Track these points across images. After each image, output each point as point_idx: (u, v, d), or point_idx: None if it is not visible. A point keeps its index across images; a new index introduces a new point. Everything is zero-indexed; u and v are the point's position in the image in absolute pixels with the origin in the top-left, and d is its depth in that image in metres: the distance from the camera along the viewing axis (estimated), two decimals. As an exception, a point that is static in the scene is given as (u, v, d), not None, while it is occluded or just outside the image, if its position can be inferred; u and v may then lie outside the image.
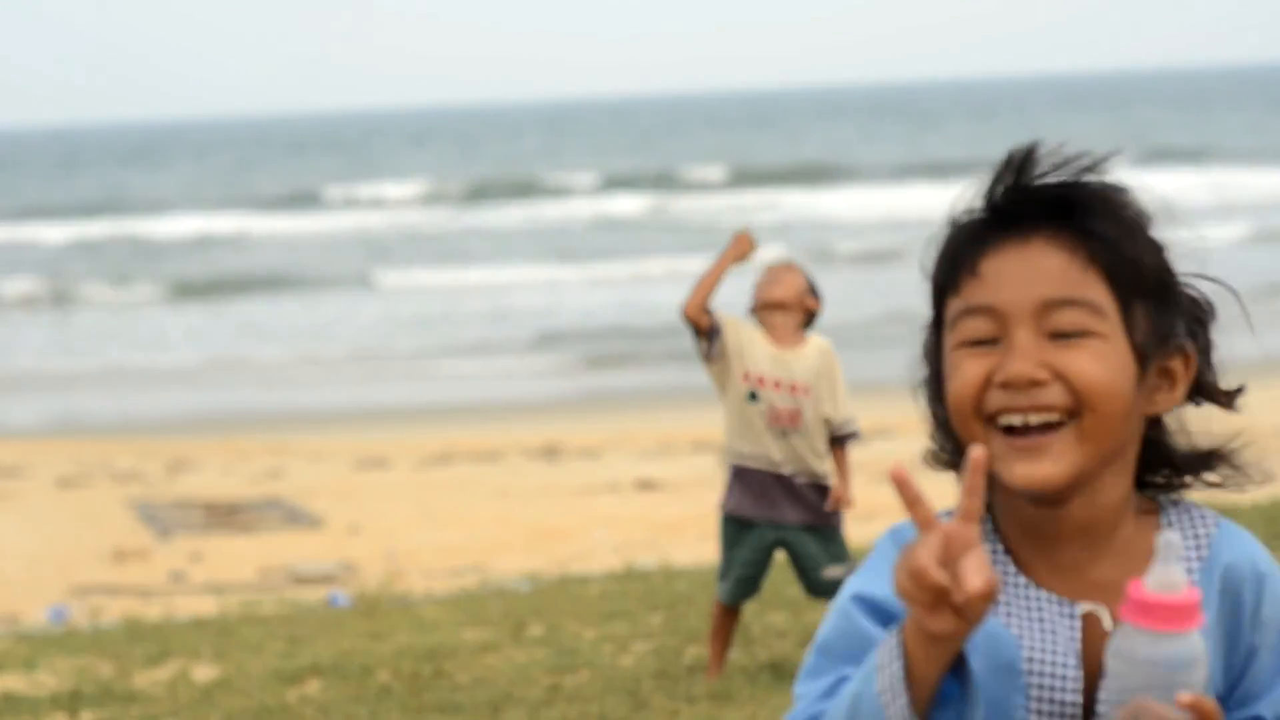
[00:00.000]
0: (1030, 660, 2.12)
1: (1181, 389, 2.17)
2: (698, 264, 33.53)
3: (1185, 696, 1.98)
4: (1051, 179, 2.13)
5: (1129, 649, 2.01)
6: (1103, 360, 2.06)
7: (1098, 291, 2.08)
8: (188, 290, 33.97)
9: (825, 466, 7.40)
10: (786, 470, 7.36)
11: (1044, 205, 2.10)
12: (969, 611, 1.93)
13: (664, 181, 54.87)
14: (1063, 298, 2.07)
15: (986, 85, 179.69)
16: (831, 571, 7.38)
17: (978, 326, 2.08)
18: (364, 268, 36.57)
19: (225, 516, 13.97)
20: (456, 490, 14.63)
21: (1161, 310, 2.14)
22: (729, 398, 7.32)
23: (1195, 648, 2.00)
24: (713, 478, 13.55)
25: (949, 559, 1.93)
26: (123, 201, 54.88)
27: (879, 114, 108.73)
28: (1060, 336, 2.06)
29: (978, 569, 1.92)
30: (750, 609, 8.68)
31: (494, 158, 76.16)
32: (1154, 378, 2.13)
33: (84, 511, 14.32)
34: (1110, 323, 2.08)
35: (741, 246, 7.23)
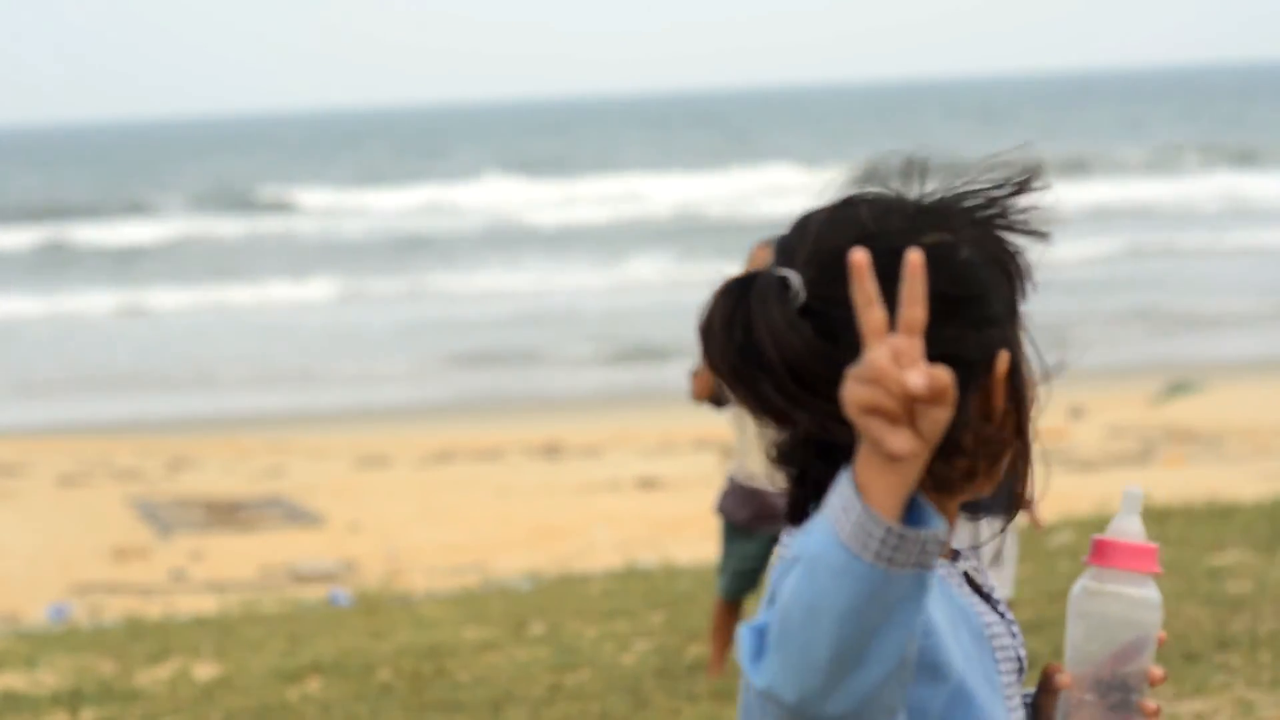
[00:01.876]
0: (989, 625, 2.15)
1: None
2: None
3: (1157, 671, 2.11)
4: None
5: (1112, 596, 2.12)
6: None
7: None
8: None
9: None
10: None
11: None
12: (928, 422, 1.80)
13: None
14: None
15: (969, 84, 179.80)
16: None
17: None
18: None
19: (226, 515, 13.97)
20: (457, 488, 14.63)
21: None
22: (743, 416, 7.31)
23: (1156, 593, 2.13)
24: (714, 476, 13.53)
25: (904, 366, 1.80)
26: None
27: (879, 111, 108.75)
28: None
29: (941, 372, 1.80)
30: (751, 606, 8.68)
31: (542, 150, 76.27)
32: None
33: (84, 510, 14.32)
34: None
35: None
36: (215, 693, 7.99)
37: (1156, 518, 9.88)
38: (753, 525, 7.38)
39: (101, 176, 72.59)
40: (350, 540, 12.80)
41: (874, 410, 1.80)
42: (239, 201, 52.00)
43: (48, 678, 8.48)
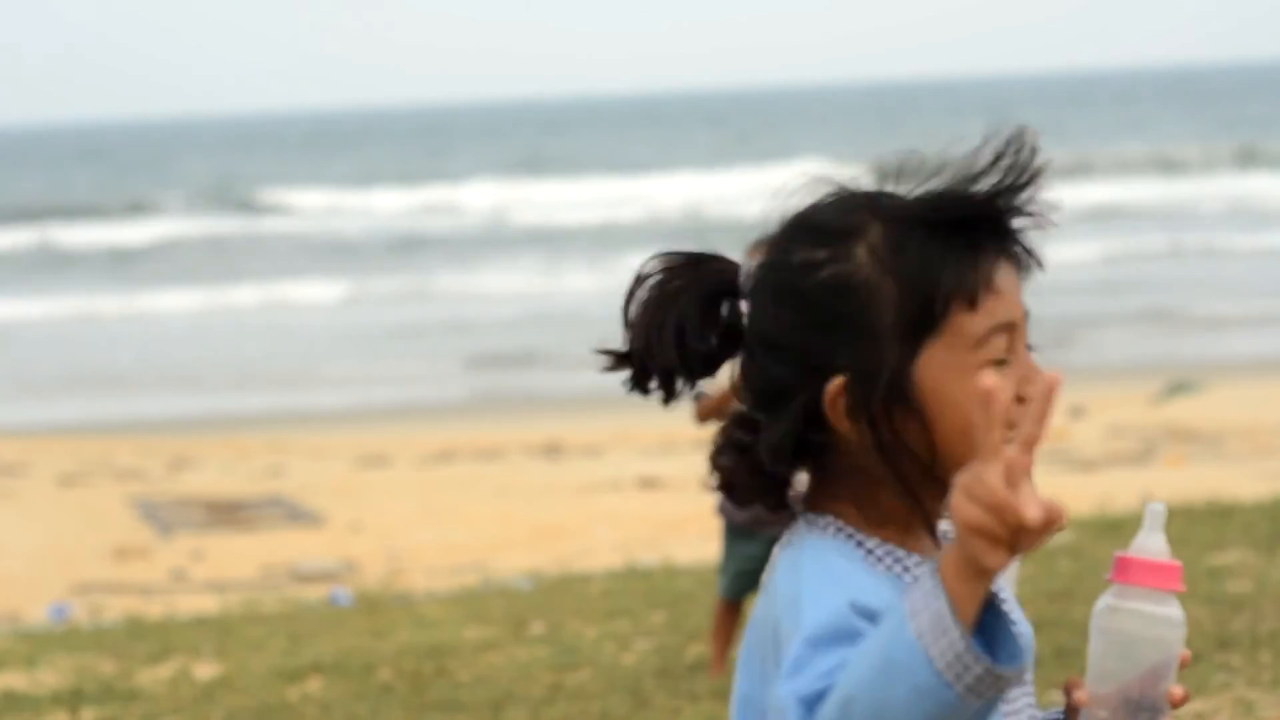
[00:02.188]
0: None
1: None
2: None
3: (1177, 691, 2.08)
4: (1020, 190, 2.07)
5: (1133, 613, 2.09)
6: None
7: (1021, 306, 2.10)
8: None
9: None
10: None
11: (1001, 214, 2.08)
12: (1024, 544, 1.84)
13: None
14: (1019, 317, 2.08)
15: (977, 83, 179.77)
16: None
17: (1000, 345, 2.05)
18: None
19: (226, 514, 13.97)
20: (458, 488, 14.63)
21: None
22: None
23: (1180, 611, 2.11)
24: (714, 476, 13.48)
25: (1011, 484, 1.83)
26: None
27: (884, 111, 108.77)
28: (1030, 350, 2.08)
29: (1039, 500, 1.83)
30: (751, 605, 8.68)
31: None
32: None
33: (85, 509, 14.32)
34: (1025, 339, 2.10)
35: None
36: (216, 692, 7.99)
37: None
38: (753, 526, 7.39)
39: (101, 176, 72.58)
40: (351, 540, 12.80)
41: (983, 533, 1.82)
42: (239, 201, 51.97)
43: (48, 677, 8.48)
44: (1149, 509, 2.10)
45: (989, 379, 1.84)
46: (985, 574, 1.85)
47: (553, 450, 16.26)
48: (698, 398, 7.30)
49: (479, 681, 7.83)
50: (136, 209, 50.79)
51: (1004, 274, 2.05)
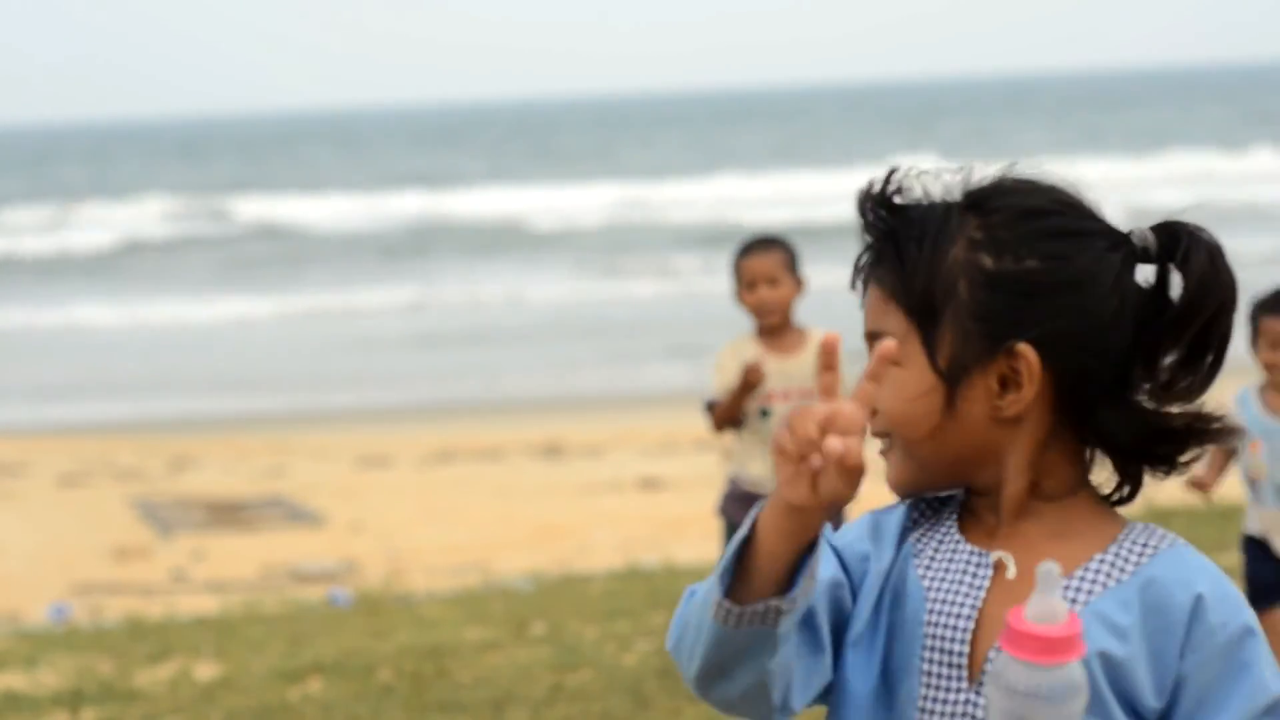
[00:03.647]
0: (932, 610, 2.18)
1: (1030, 389, 2.14)
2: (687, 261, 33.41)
3: None
4: (884, 208, 2.20)
5: (1008, 678, 1.99)
6: (897, 389, 2.15)
7: (895, 322, 2.16)
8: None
9: None
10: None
11: (877, 235, 2.20)
12: (824, 483, 1.99)
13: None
14: (871, 330, 2.19)
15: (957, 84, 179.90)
16: None
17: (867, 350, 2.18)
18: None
19: (227, 514, 13.96)
20: (458, 488, 14.62)
21: (985, 322, 2.14)
22: (746, 420, 7.31)
23: (1074, 678, 1.98)
24: (716, 476, 13.52)
25: (831, 430, 1.98)
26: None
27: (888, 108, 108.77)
28: None
29: (849, 443, 1.97)
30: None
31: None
32: (985, 386, 2.15)
33: (85, 509, 14.31)
34: (906, 350, 2.15)
35: (753, 376, 7.22)
36: (216, 693, 7.98)
37: (1159, 518, 9.86)
38: None
39: (104, 175, 72.65)
40: (351, 540, 12.79)
41: (781, 454, 2.02)
42: (244, 202, 51.93)
43: (48, 678, 8.48)
44: (1041, 570, 1.99)
45: (829, 333, 2.04)
46: (789, 510, 2.02)
47: (553, 450, 16.25)
48: (710, 408, 7.36)
49: (479, 682, 7.82)
50: (137, 209, 50.79)
51: (868, 285, 2.22)
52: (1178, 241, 2.20)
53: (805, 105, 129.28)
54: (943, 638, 2.17)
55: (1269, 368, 6.73)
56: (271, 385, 22.16)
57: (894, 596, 2.20)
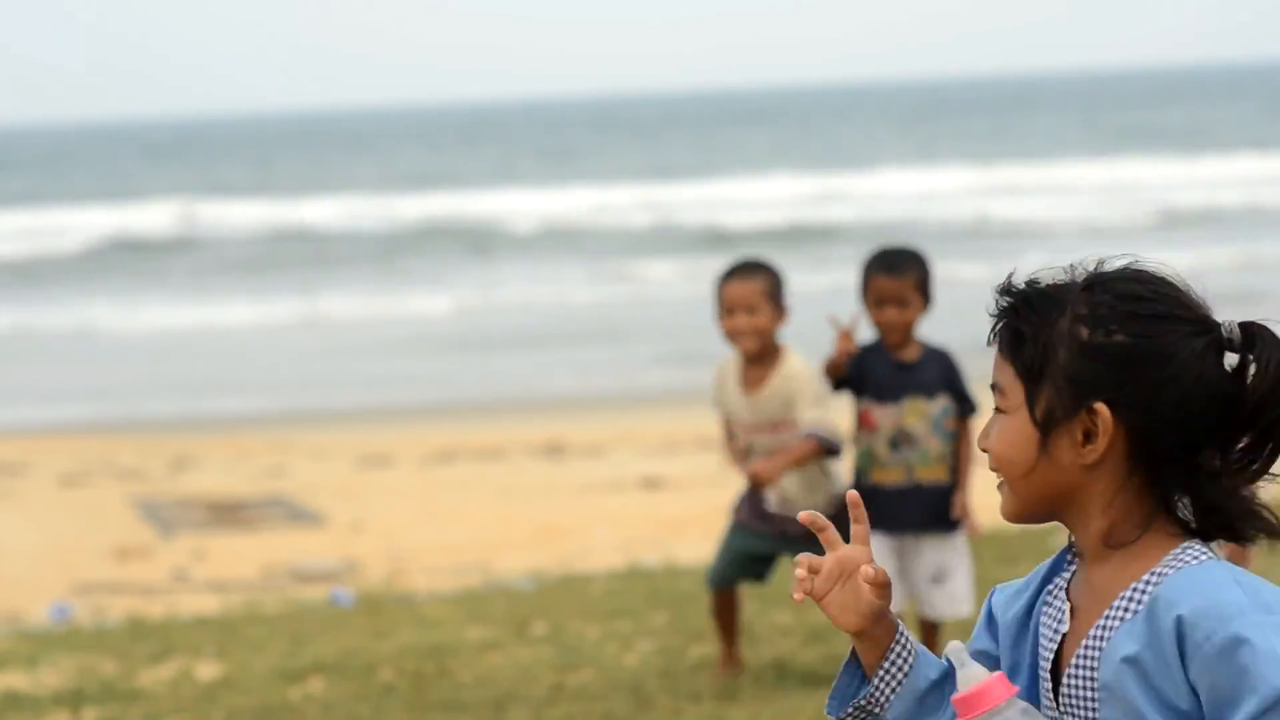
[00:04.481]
0: (1043, 647, 2.68)
1: (1103, 442, 2.57)
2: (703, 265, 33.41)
3: None
4: (1013, 290, 2.67)
5: None
6: (1003, 434, 2.63)
7: (1006, 376, 2.63)
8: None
9: (836, 489, 7.27)
10: (779, 509, 7.30)
11: (1007, 307, 2.67)
12: (862, 604, 2.68)
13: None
14: (993, 382, 2.66)
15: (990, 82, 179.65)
16: None
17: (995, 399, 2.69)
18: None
19: (228, 514, 13.96)
20: (459, 488, 14.62)
21: (1067, 385, 2.58)
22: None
23: (1012, 715, 2.57)
24: (717, 476, 13.51)
25: (844, 575, 2.67)
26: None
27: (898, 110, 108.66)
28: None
29: (861, 576, 2.66)
30: (754, 607, 8.66)
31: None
32: (1071, 437, 2.59)
33: (86, 509, 14.31)
34: (1013, 401, 2.61)
35: (755, 482, 7.26)
36: (217, 692, 7.98)
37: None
38: (763, 532, 7.40)
39: (105, 175, 72.65)
40: (352, 540, 12.79)
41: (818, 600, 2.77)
42: (259, 201, 51.89)
43: (49, 678, 8.47)
44: (948, 650, 2.64)
45: (852, 492, 2.78)
46: (854, 633, 2.73)
47: (554, 450, 16.24)
48: (729, 438, 7.42)
49: (480, 682, 7.82)
50: (141, 208, 50.78)
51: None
52: (1253, 340, 2.58)
53: (805, 105, 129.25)
54: (1043, 669, 2.67)
55: None
56: (272, 385, 22.17)
57: (1020, 634, 2.71)
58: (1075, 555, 2.68)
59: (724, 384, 7.41)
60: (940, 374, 7.19)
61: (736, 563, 7.46)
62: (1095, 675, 2.55)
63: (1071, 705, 2.59)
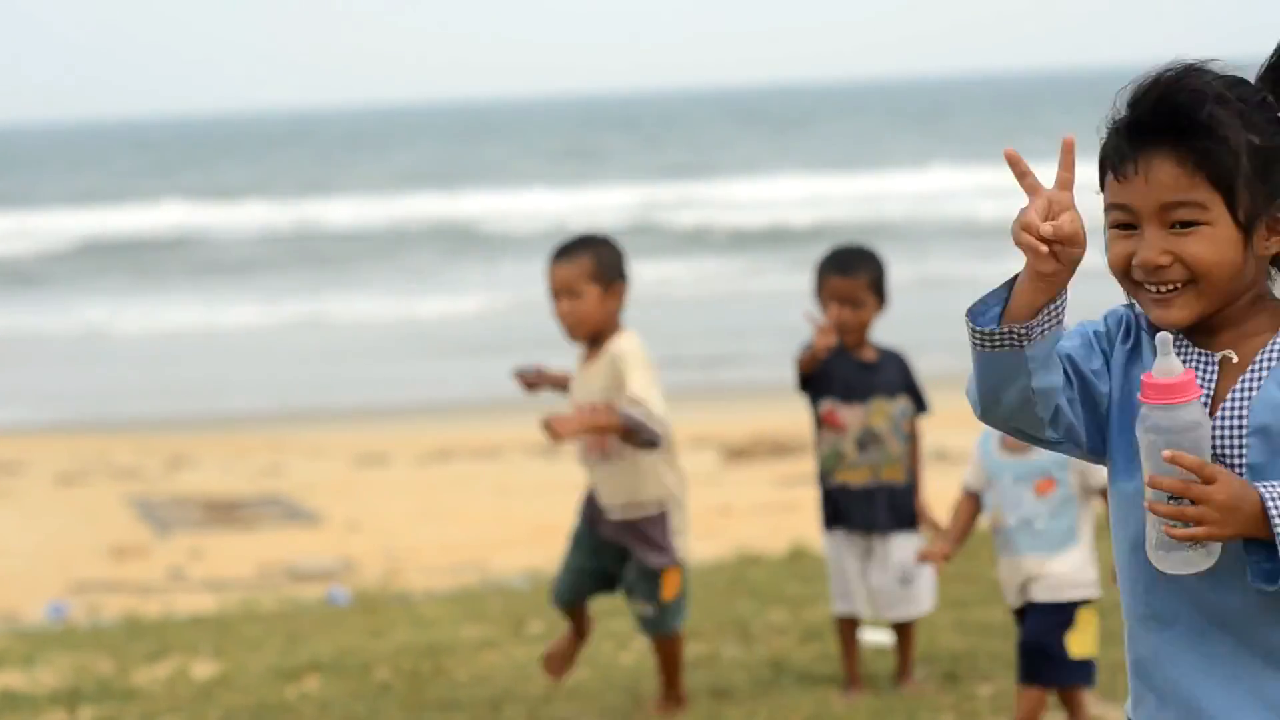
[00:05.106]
0: None
1: None
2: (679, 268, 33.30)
3: (1168, 452, 2.75)
4: (1173, 99, 2.91)
5: (1150, 422, 2.77)
6: (1211, 243, 2.87)
7: (1201, 191, 2.87)
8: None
9: (654, 494, 6.85)
10: (605, 504, 6.86)
11: (1166, 122, 2.89)
12: (1064, 254, 2.78)
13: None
14: (1175, 200, 2.88)
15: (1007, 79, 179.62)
16: (641, 609, 6.89)
17: (1119, 216, 2.93)
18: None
19: (224, 513, 13.96)
20: (456, 487, 14.62)
21: (1259, 184, 2.89)
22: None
23: (1194, 414, 2.76)
24: (711, 474, 13.52)
25: (1052, 215, 2.78)
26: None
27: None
28: (1178, 226, 2.88)
29: (1070, 220, 2.77)
30: (749, 606, 8.67)
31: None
32: (1263, 232, 2.92)
33: (83, 508, 14.31)
34: (1214, 212, 2.88)
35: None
36: (213, 691, 7.98)
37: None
38: (613, 538, 6.96)
39: (105, 175, 72.64)
40: (349, 539, 12.79)
41: (1024, 245, 2.78)
42: (258, 201, 51.86)
43: (46, 676, 8.48)
44: (1158, 339, 2.79)
45: (1068, 136, 2.88)
46: (1041, 277, 2.79)
47: (551, 449, 16.25)
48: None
49: (477, 681, 7.82)
50: (142, 208, 50.78)
51: (1131, 168, 2.92)
52: None
53: (808, 105, 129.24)
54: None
55: None
56: (269, 384, 22.17)
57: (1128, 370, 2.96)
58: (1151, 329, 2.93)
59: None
60: (899, 375, 7.16)
61: (584, 576, 7.03)
62: (1245, 420, 2.84)
63: (1217, 451, 2.84)
